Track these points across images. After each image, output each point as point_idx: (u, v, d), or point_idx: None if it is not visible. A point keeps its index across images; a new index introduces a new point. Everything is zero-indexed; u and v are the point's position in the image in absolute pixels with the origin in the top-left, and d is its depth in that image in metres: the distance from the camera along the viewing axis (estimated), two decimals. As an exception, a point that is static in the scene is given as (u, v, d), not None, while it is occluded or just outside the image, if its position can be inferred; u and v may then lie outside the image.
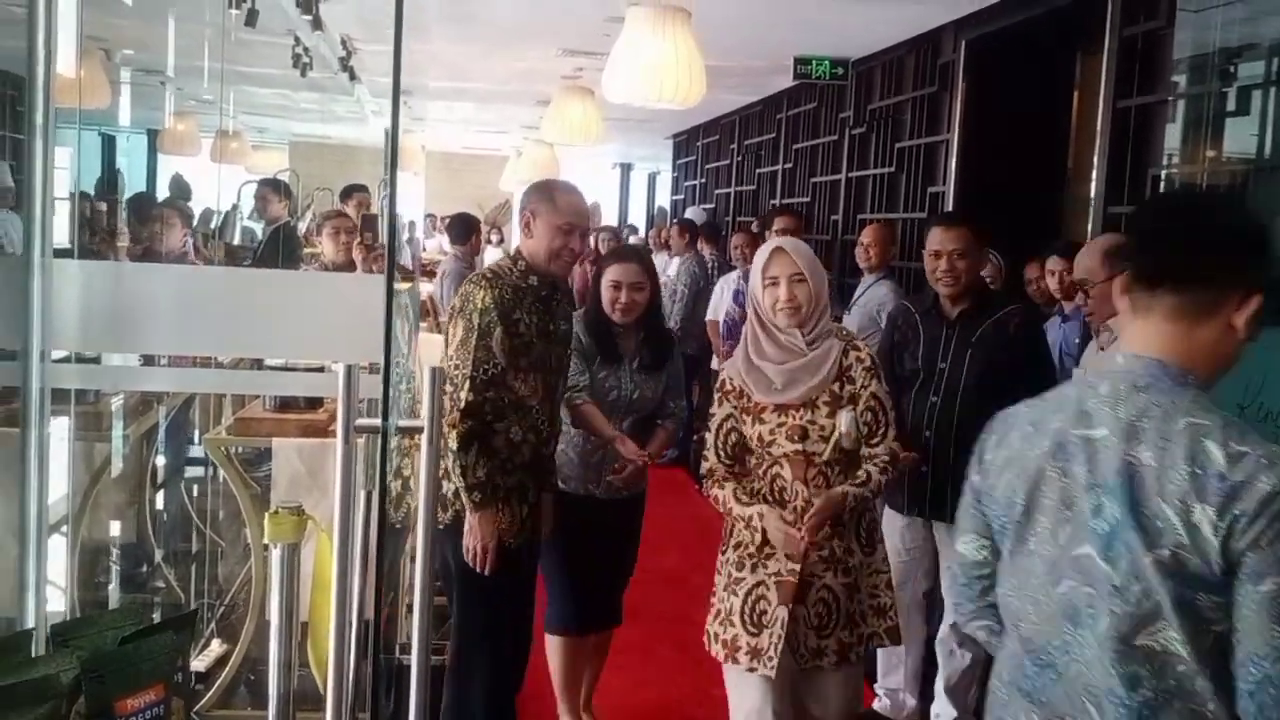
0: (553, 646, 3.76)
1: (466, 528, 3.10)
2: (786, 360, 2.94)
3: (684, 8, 4.66)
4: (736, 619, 2.97)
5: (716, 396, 3.08)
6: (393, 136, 1.98)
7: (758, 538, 2.95)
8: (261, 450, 3.80)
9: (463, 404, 3.01)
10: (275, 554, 2.41)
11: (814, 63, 7.13)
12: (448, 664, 3.30)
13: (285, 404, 3.51)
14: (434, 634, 4.16)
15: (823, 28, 6.49)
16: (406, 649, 3.69)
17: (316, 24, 5.81)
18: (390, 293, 1.64)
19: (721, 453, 3.04)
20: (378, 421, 1.74)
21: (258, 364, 3.12)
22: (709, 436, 3.08)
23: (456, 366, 3.05)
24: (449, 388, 3.03)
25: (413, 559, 3.94)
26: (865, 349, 3.04)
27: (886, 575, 3.07)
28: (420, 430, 1.71)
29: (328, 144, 14.87)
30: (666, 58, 4.47)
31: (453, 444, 3.02)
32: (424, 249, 12.64)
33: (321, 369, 3.02)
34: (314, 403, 3.57)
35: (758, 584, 2.96)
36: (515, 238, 11.39)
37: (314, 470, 3.38)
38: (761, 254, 3.03)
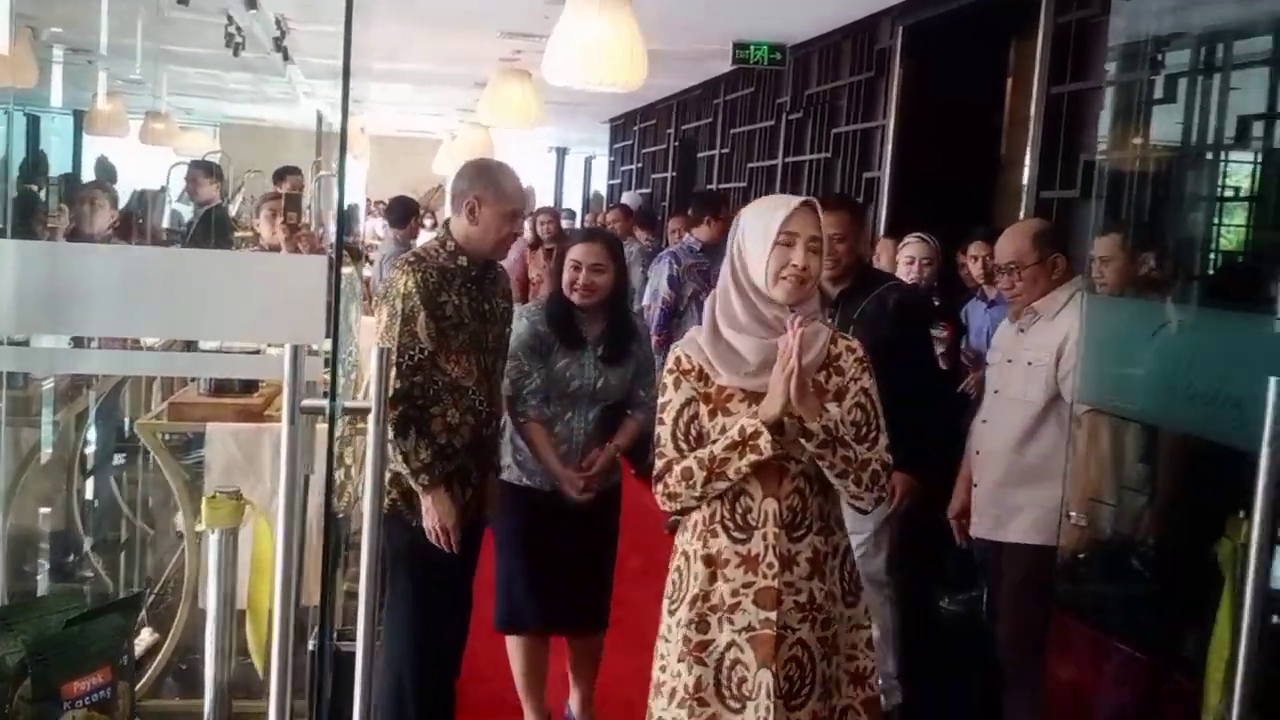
0: (509, 646, 3.68)
1: (424, 509, 3.07)
2: (768, 335, 2.41)
3: (625, -10, 4.66)
4: (712, 696, 2.41)
5: (669, 379, 2.49)
6: (342, 118, 1.95)
7: (723, 587, 2.41)
8: (191, 436, 3.74)
9: (389, 391, 2.97)
10: (212, 539, 2.38)
11: (752, 48, 7.16)
12: (383, 650, 3.27)
13: (220, 388, 3.46)
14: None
15: (762, 13, 6.52)
16: (344, 636, 3.66)
17: (251, 3, 5.71)
18: (338, 273, 1.63)
19: (683, 444, 2.43)
20: (324, 403, 1.72)
21: (190, 346, 3.06)
22: (662, 429, 2.48)
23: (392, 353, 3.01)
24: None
25: (349, 546, 3.93)
26: (856, 341, 2.59)
27: (868, 633, 2.55)
28: (367, 411, 1.69)
29: (259, 126, 14.63)
30: (608, 40, 4.47)
31: (389, 433, 2.98)
32: (361, 232, 12.50)
33: (257, 351, 2.99)
34: (249, 386, 3.52)
35: (730, 645, 2.41)
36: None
37: (250, 455, 3.33)
38: (777, 206, 2.45)
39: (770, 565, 2.40)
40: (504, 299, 3.33)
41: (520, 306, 3.60)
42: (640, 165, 12.02)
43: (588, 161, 18.77)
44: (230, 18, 6.86)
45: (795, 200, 2.45)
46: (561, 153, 19.37)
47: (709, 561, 2.43)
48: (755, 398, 2.40)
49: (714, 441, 2.40)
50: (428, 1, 6.72)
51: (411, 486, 3.08)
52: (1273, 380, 1.99)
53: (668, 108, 10.75)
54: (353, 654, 2.67)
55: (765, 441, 2.35)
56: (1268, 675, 2.37)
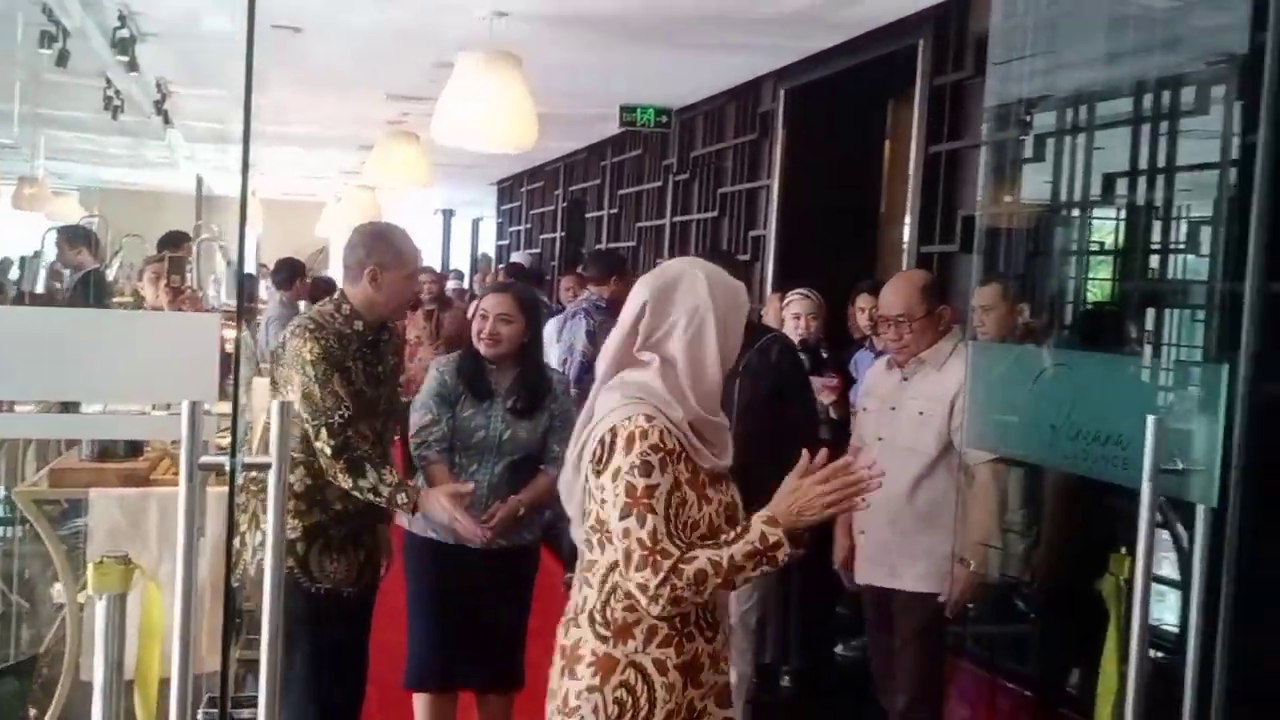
0: (416, 704, 3.58)
1: (427, 515, 3.16)
2: (717, 422, 2.19)
3: (514, 53, 4.71)
4: None
5: (652, 459, 2.04)
6: (242, 183, 1.93)
7: (694, 693, 2.14)
8: (67, 505, 3.62)
9: (329, 450, 2.98)
10: (100, 605, 2.30)
11: (639, 111, 7.28)
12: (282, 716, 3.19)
13: (104, 452, 3.36)
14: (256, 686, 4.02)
15: (647, 77, 6.64)
16: (237, 704, 3.56)
17: (133, 65, 5.62)
18: (239, 331, 1.60)
19: (679, 539, 2.05)
20: (223, 458, 1.68)
21: (67, 409, 2.96)
22: (653, 519, 2.03)
23: (307, 420, 2.99)
24: (311, 434, 3.00)
25: (239, 613, 3.83)
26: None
27: None
28: (268, 466, 1.66)
29: (137, 191, 14.34)
30: (498, 102, 4.51)
31: (346, 483, 3.00)
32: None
33: (143, 413, 2.91)
34: (134, 451, 3.43)
35: None
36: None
37: (135, 521, 3.25)
38: (740, 292, 2.25)
39: (726, 660, 2.23)
40: (394, 356, 3.34)
41: (433, 359, 3.61)
42: (529, 226, 12.07)
43: (475, 223, 18.77)
44: (109, 80, 6.75)
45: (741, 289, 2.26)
46: (448, 215, 19.33)
47: (686, 669, 2.13)
48: (717, 482, 2.17)
49: (729, 544, 2.06)
50: (313, 64, 6.69)
51: (305, 553, 3.05)
52: (1150, 418, 2.09)
53: (555, 169, 10.83)
54: (244, 721, 2.60)
55: (784, 554, 2.06)
56: (1149, 704, 2.46)
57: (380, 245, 3.16)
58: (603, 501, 2.09)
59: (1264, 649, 2.70)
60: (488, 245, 15.87)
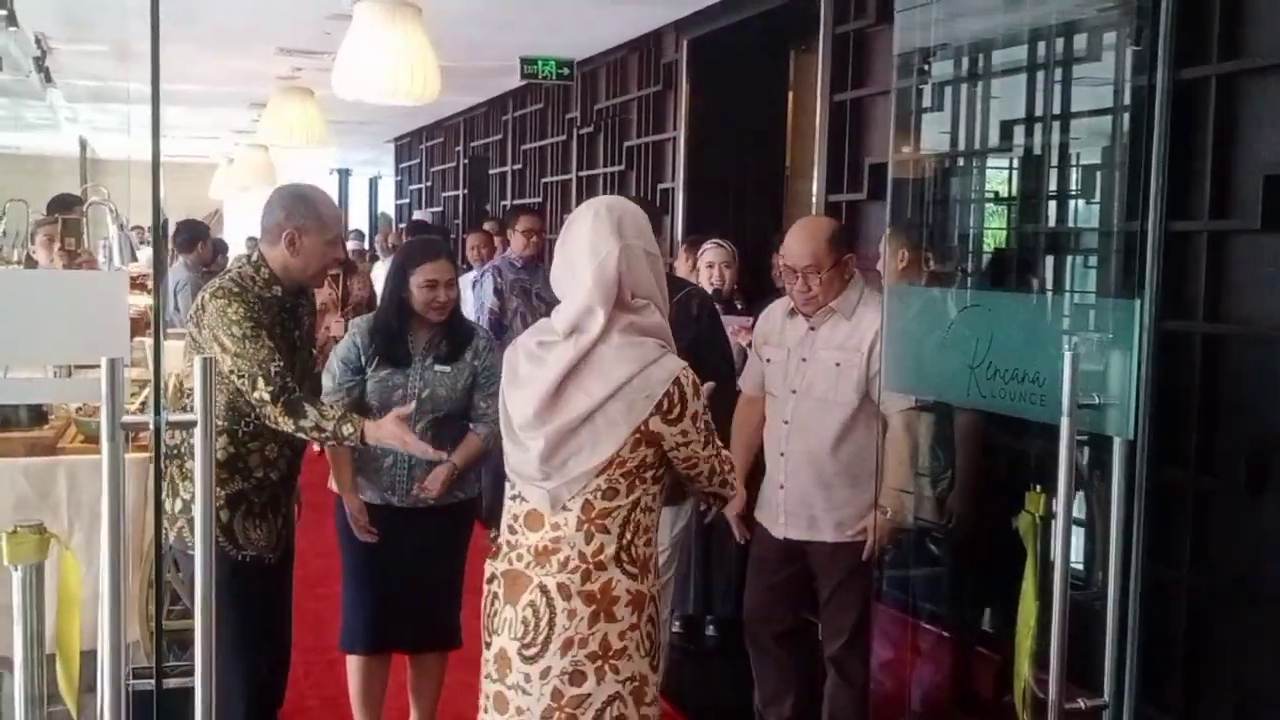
0: (349, 665, 3.55)
1: (373, 442, 3.05)
2: None
3: (413, 3, 4.62)
4: None
5: (707, 401, 2.38)
6: (154, 143, 1.86)
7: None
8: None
9: (268, 395, 2.92)
10: (16, 576, 2.24)
11: (540, 63, 7.18)
12: None
13: (6, 421, 3.24)
14: (176, 656, 3.94)
15: (548, 28, 6.56)
16: (160, 673, 3.48)
17: (11, 19, 5.37)
18: (158, 289, 1.55)
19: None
20: (146, 418, 1.63)
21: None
22: (714, 451, 2.39)
23: (242, 372, 2.93)
24: (246, 388, 2.97)
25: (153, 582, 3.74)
26: None
27: None
28: (194, 424, 1.62)
29: (18, 155, 13.81)
30: (399, 53, 4.42)
31: (289, 426, 2.95)
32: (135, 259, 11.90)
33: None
34: (37, 419, 3.31)
35: None
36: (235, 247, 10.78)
37: (44, 491, 3.15)
38: None
39: None
40: (309, 317, 3.28)
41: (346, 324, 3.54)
42: (429, 184, 11.90)
43: (373, 182, 18.46)
44: (-16, 36, 6.46)
45: None
46: (344, 174, 18.97)
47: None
48: None
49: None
50: (202, 19, 6.47)
51: (229, 521, 3.01)
52: (1067, 353, 2.14)
53: (455, 125, 10.68)
54: (171, 691, 2.55)
55: None
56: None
57: (300, 208, 3.08)
58: (687, 442, 2.29)
59: (1175, 575, 2.82)
60: (387, 204, 15.63)
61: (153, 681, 3.04)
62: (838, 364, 3.34)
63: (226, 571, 2.97)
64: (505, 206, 9.00)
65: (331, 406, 3.04)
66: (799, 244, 3.41)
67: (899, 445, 3.36)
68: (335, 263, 3.13)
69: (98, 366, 1.81)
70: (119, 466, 1.61)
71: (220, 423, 2.91)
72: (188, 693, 2.13)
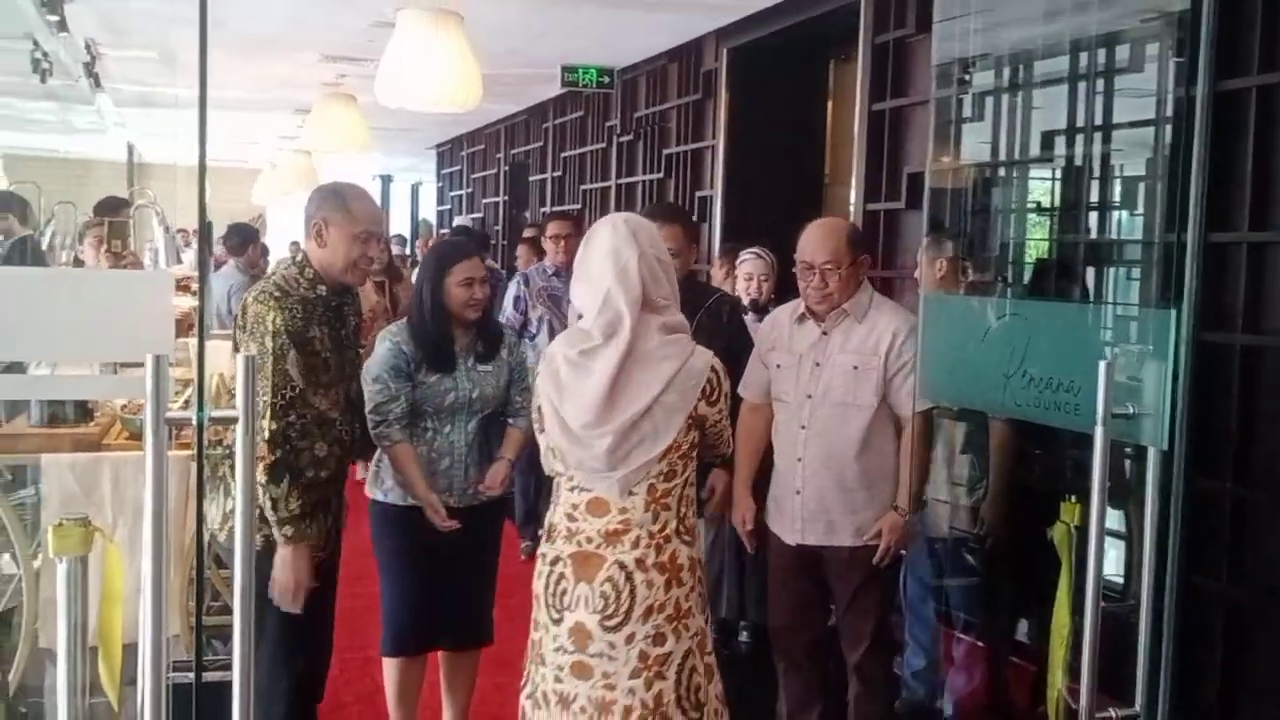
0: (386, 665, 3.59)
1: (278, 561, 2.95)
2: None
3: (456, 12, 4.67)
4: None
5: (726, 386, 2.80)
6: (200, 146, 1.90)
7: None
8: (13, 475, 3.56)
9: (266, 434, 2.88)
10: (61, 568, 2.28)
11: (580, 71, 7.23)
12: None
13: (53, 417, 3.31)
14: (215, 651, 3.99)
15: (589, 37, 6.61)
16: (200, 666, 3.53)
17: (62, 25, 5.47)
18: (203, 288, 1.59)
19: None
20: (189, 413, 1.67)
21: (13, 372, 2.90)
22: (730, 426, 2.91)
23: (256, 395, 2.93)
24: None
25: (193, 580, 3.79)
26: None
27: None
28: (235, 420, 1.65)
29: (66, 158, 14.02)
30: (442, 60, 4.46)
31: (261, 477, 2.89)
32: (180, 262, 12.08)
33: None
34: (84, 415, 3.38)
35: None
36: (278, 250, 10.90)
37: (89, 488, 3.21)
38: None
39: None
40: (355, 318, 3.28)
41: (383, 329, 3.52)
42: (470, 190, 11.98)
43: (414, 188, 18.60)
44: (36, 42, 6.56)
45: None
46: (387, 180, 19.14)
47: None
48: None
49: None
50: (244, 26, 6.57)
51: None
52: (1102, 363, 2.14)
53: (495, 132, 10.75)
54: (211, 685, 2.59)
55: None
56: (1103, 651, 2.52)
57: (328, 201, 3.09)
58: (721, 418, 2.72)
59: (1211, 586, 2.79)
60: (428, 210, 15.74)
61: (193, 675, 3.10)
62: (855, 367, 3.33)
63: (275, 568, 3.01)
64: (544, 213, 9.05)
65: (297, 498, 2.94)
66: (819, 241, 3.41)
67: (918, 447, 3.35)
68: (367, 260, 3.09)
69: (143, 365, 1.86)
70: (163, 461, 1.65)
71: (272, 424, 2.90)
72: (227, 686, 2.18)
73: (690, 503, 2.67)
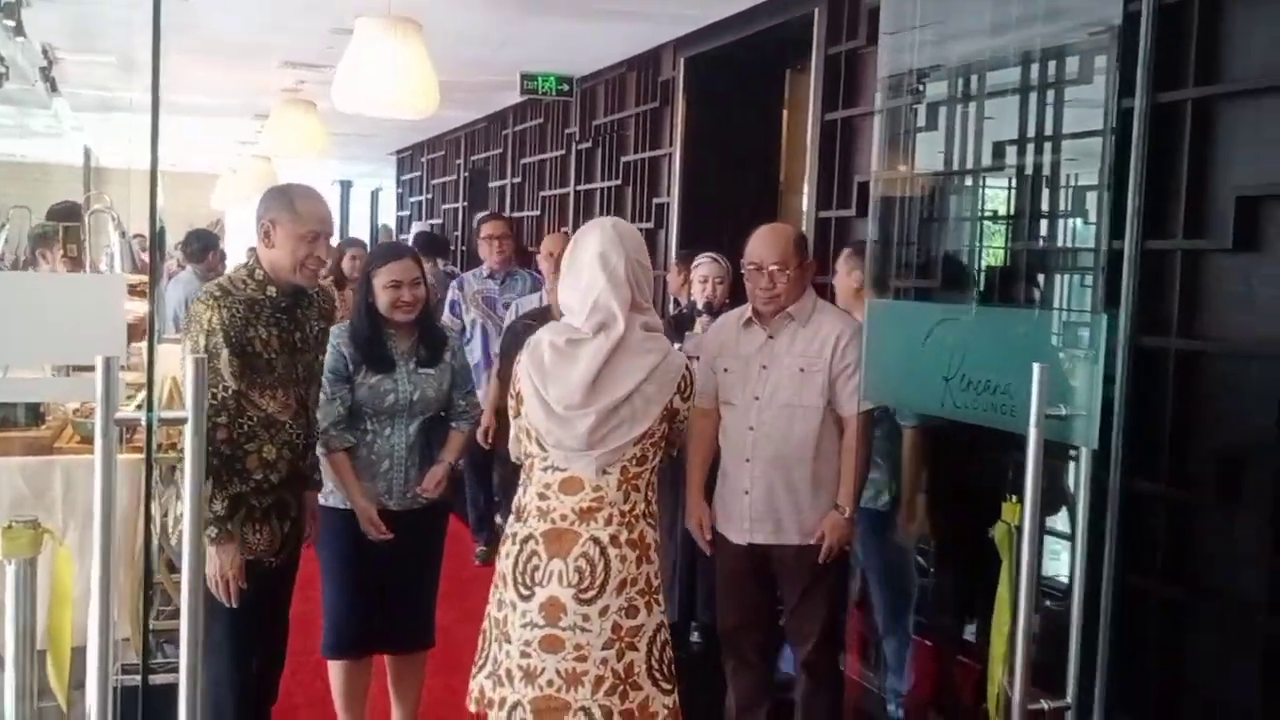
0: (331, 668, 3.61)
1: (208, 557, 2.93)
2: None
3: (414, 19, 4.69)
4: None
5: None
6: (152, 150, 1.92)
7: None
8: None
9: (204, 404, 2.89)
10: (10, 570, 2.29)
11: (540, 79, 7.28)
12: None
13: (4, 421, 3.30)
14: (165, 654, 3.98)
15: (548, 45, 6.65)
16: (146, 669, 3.53)
17: (19, 29, 5.45)
18: (153, 290, 1.62)
19: None
20: (140, 414, 1.70)
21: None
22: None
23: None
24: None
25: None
26: None
27: None
28: (184, 421, 1.68)
29: (22, 162, 13.88)
30: (400, 67, 4.49)
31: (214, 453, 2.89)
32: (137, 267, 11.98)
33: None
34: (35, 419, 3.37)
35: None
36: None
37: (39, 491, 3.21)
38: None
39: None
40: (320, 320, 3.23)
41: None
42: (430, 196, 11.98)
43: (374, 194, 18.54)
44: (-9, 46, 6.53)
45: None
46: (346, 185, 19.07)
47: None
48: None
49: None
50: (206, 32, 6.56)
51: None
52: (1035, 365, 2.20)
53: (456, 139, 10.76)
54: (160, 688, 2.60)
55: None
56: (1040, 648, 2.59)
57: (274, 201, 3.06)
58: (688, 413, 2.91)
59: (1148, 584, 2.87)
60: (387, 216, 15.71)
61: (139, 677, 3.10)
62: (801, 369, 3.42)
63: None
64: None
65: (222, 500, 2.92)
66: (768, 243, 3.52)
67: (860, 447, 3.42)
68: (316, 260, 3.05)
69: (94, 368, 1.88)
70: (112, 462, 1.68)
71: (223, 420, 2.90)
72: (176, 689, 2.19)
73: (654, 489, 2.83)
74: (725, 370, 3.54)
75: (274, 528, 3.08)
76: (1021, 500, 2.48)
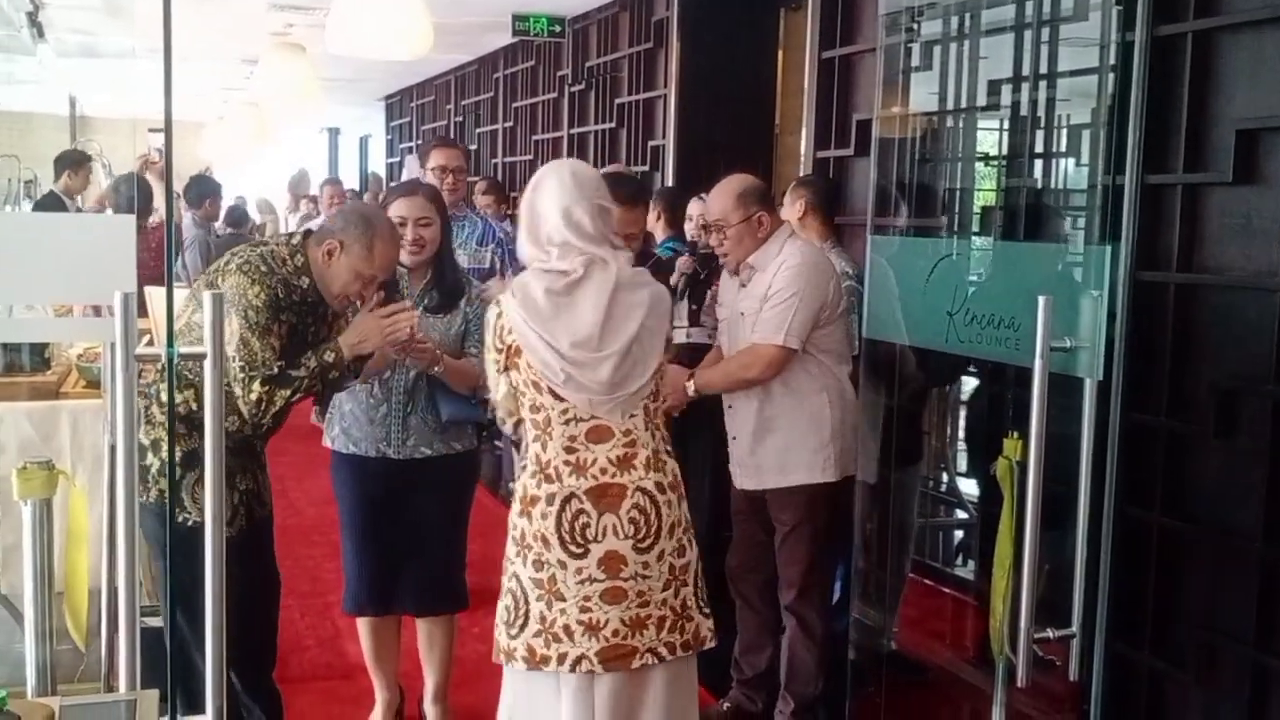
0: (359, 624, 3.51)
1: (356, 347, 2.90)
2: None
3: (405, -42, 4.65)
4: None
5: None
6: (166, 99, 1.91)
7: None
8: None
9: (254, 396, 2.77)
10: (26, 511, 2.32)
11: (531, 20, 7.21)
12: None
13: (10, 366, 3.31)
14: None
15: (539, -15, 6.59)
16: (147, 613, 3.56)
17: (3, -28, 5.38)
18: (169, 229, 1.62)
19: None
20: (159, 350, 1.71)
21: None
22: None
23: (242, 363, 2.75)
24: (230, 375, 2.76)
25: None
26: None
27: None
28: (203, 356, 1.69)
29: (10, 111, 13.73)
30: (392, 6, 4.45)
31: (281, 401, 2.81)
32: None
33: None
34: (41, 363, 3.39)
35: None
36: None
37: (47, 435, 3.23)
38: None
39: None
40: (328, 329, 3.06)
41: None
42: (420, 142, 11.89)
43: (363, 141, 18.38)
44: (-25, -10, 6.45)
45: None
46: (334, 133, 18.90)
47: None
48: None
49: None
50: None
51: (180, 479, 2.81)
52: (1041, 298, 2.22)
53: (445, 83, 10.68)
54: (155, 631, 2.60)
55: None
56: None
57: (357, 228, 2.93)
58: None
59: (1146, 515, 2.91)
60: (377, 164, 15.60)
61: (159, 620, 3.11)
62: (742, 313, 3.47)
63: (165, 534, 2.78)
64: (496, 165, 9.03)
65: (301, 375, 2.84)
66: (712, 200, 3.58)
67: (748, 361, 3.43)
68: (357, 298, 2.98)
69: (99, 313, 1.88)
70: (132, 398, 1.69)
71: (191, 376, 2.72)
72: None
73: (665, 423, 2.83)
74: (722, 320, 3.66)
75: (230, 499, 2.86)
76: (1025, 434, 2.51)
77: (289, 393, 2.82)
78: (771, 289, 3.38)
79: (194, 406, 2.76)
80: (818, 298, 3.37)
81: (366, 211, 3.15)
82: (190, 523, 2.75)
